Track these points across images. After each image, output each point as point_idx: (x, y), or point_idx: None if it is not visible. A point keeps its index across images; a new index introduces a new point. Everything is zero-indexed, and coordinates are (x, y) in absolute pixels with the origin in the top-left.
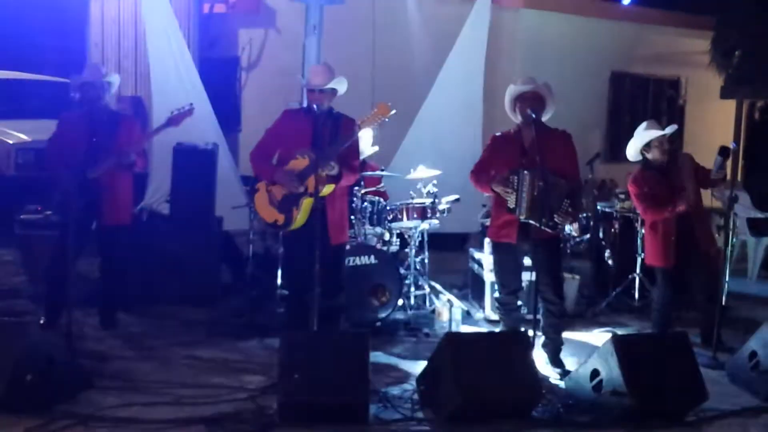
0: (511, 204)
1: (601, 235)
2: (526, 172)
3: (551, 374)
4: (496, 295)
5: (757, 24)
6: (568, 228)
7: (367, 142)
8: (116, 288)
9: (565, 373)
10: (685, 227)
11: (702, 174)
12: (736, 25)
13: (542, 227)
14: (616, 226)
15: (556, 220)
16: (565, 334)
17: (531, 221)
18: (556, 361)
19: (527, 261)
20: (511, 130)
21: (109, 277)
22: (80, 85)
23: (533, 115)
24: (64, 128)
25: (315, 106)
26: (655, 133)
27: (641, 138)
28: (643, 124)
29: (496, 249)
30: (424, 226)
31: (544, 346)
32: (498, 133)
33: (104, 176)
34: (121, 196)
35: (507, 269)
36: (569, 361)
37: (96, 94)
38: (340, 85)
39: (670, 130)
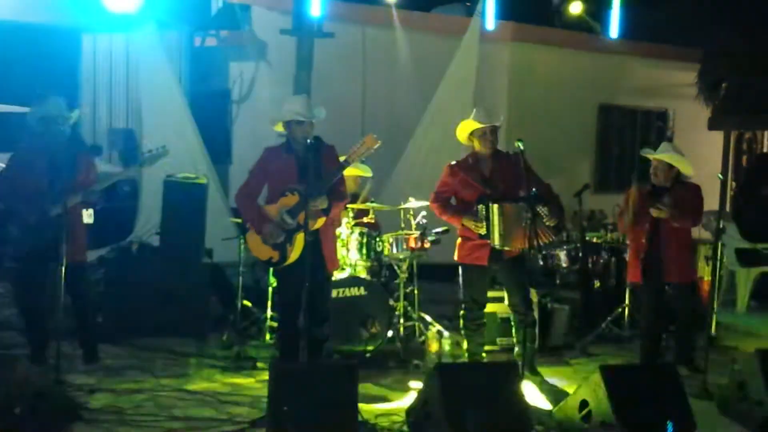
0: (483, 231)
1: (590, 265)
2: (494, 204)
3: (539, 402)
4: (462, 312)
5: (744, 56)
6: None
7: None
8: (90, 324)
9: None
10: (655, 252)
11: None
12: (722, 57)
13: (529, 253)
14: (605, 256)
15: (540, 243)
16: (554, 366)
17: (506, 248)
18: (532, 369)
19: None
20: (469, 159)
21: (81, 314)
22: (40, 118)
23: (494, 146)
24: (21, 161)
25: (301, 138)
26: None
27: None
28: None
29: (467, 270)
30: (414, 257)
31: (519, 355)
32: (454, 162)
33: (65, 213)
34: (81, 233)
35: (478, 288)
36: (558, 392)
37: (57, 128)
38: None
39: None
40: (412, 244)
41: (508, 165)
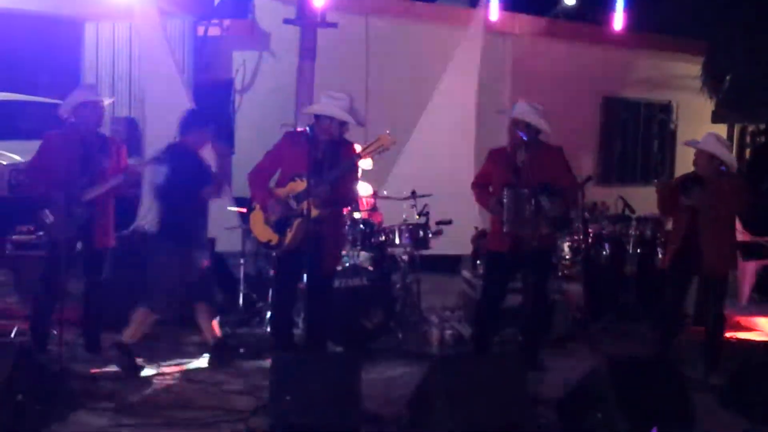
0: (504, 217)
1: (592, 257)
2: (510, 190)
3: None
4: (480, 299)
5: (748, 49)
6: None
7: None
8: (100, 311)
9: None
10: (691, 243)
11: None
12: (726, 49)
13: (525, 239)
14: (608, 248)
15: (541, 232)
16: (556, 357)
17: (516, 233)
18: (535, 361)
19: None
20: (507, 147)
21: (94, 300)
22: (75, 107)
23: (524, 138)
24: (51, 148)
25: (329, 134)
26: None
27: None
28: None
29: (488, 257)
30: (416, 247)
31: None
32: (495, 148)
33: (96, 198)
34: (110, 219)
35: (495, 275)
36: (560, 383)
37: (89, 114)
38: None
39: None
40: (415, 234)
41: (545, 156)
